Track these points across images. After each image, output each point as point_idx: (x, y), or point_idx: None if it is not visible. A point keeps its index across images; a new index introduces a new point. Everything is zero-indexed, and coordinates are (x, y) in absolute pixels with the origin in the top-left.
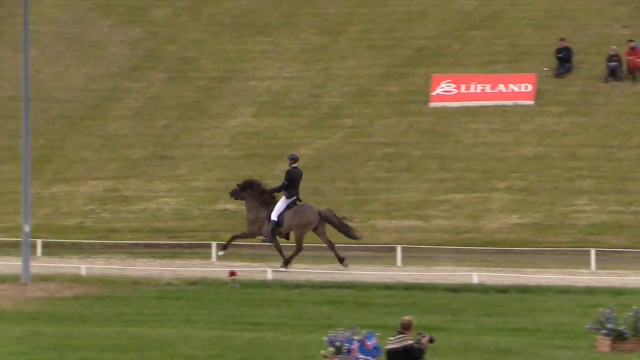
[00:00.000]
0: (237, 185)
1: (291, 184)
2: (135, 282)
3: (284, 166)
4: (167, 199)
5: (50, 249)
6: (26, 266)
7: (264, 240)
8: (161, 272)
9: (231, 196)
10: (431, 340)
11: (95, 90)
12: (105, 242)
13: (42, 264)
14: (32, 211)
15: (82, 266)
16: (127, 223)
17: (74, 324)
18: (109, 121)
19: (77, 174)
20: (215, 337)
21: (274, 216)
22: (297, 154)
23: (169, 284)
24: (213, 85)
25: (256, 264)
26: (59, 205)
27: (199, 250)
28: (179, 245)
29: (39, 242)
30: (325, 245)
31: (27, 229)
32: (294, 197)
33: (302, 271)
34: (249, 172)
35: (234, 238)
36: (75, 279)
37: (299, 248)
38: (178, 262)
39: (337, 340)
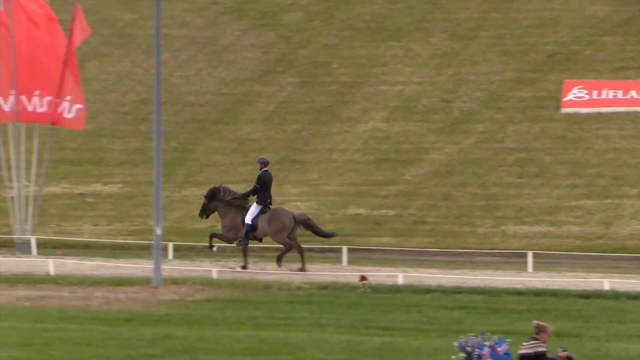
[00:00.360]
0: (204, 197)
1: (262, 187)
2: (266, 286)
3: (415, 171)
4: (298, 203)
5: (182, 252)
6: (157, 269)
7: (238, 244)
8: (292, 276)
9: (202, 216)
10: (569, 359)
11: (227, 94)
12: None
13: (174, 267)
14: (163, 214)
15: (214, 269)
16: None
17: (205, 327)
18: (240, 125)
19: (209, 178)
20: (346, 342)
21: (248, 220)
22: (267, 157)
23: (299, 288)
24: (345, 90)
25: (387, 269)
26: (190, 209)
27: (330, 254)
28: (310, 249)
29: (170, 245)
30: (296, 250)
31: (158, 231)
32: (267, 202)
33: (433, 276)
34: (379, 177)
35: (213, 236)
36: (207, 282)
37: (287, 248)
38: (309, 265)
39: (468, 346)
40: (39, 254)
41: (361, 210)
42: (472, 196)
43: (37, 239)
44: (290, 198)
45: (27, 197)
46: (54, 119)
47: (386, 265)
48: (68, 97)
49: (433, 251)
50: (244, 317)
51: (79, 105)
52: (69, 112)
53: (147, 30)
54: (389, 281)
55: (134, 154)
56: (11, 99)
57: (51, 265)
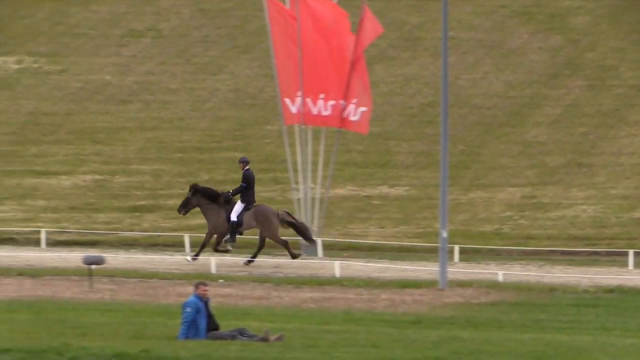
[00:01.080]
0: (189, 190)
1: (248, 185)
2: (552, 289)
3: None
4: (584, 207)
5: (467, 255)
6: (443, 272)
7: (226, 242)
8: (578, 279)
9: (181, 211)
10: None
11: (514, 97)
12: (522, 249)
13: (459, 270)
14: (449, 217)
15: (499, 272)
16: (544, 230)
17: (490, 329)
18: (527, 128)
19: (495, 181)
20: (632, 345)
21: (233, 217)
22: (247, 156)
23: (585, 291)
24: (632, 93)
25: None
26: (476, 212)
27: (616, 258)
28: (596, 253)
29: (456, 247)
30: (280, 244)
31: (444, 234)
32: (251, 199)
33: None
34: None
35: (203, 247)
36: (492, 285)
37: (261, 246)
38: (595, 269)
39: None
40: (324, 255)
41: None
42: None
43: (323, 240)
44: (576, 201)
45: (313, 199)
46: (339, 122)
47: None
48: (354, 100)
49: None
50: (529, 320)
51: (363, 108)
52: (355, 114)
53: (435, 33)
54: None
55: (421, 156)
56: (298, 100)
57: (337, 267)
